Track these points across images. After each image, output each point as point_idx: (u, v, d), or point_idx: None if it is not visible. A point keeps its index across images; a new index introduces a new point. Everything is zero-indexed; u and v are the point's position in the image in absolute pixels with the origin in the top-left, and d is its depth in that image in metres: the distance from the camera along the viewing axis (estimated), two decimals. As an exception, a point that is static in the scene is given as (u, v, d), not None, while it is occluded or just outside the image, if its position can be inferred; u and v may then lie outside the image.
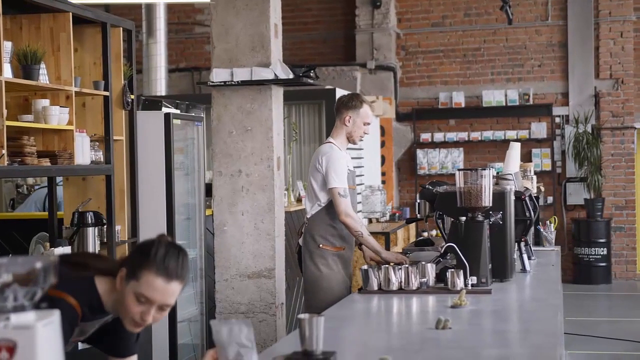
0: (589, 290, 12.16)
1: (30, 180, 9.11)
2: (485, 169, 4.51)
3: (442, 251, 4.56)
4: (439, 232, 12.43)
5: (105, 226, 5.68)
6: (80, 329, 2.74)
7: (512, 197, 4.80)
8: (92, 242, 5.48)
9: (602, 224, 12.58)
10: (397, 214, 11.41)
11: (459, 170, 4.55)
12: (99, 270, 2.77)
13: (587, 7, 12.85)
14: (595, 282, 12.48)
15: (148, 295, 2.60)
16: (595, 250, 12.52)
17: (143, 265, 2.61)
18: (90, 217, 5.51)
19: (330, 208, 5.31)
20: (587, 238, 12.56)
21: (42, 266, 1.77)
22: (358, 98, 5.48)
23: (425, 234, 12.65)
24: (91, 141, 5.62)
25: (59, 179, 6.25)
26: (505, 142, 12.87)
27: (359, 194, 10.39)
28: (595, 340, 8.84)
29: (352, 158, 10.09)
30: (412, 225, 11.53)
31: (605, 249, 12.55)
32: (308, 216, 5.39)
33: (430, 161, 13.23)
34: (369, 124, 5.47)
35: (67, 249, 5.03)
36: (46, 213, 5.97)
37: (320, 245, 5.31)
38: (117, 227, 5.84)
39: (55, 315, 1.80)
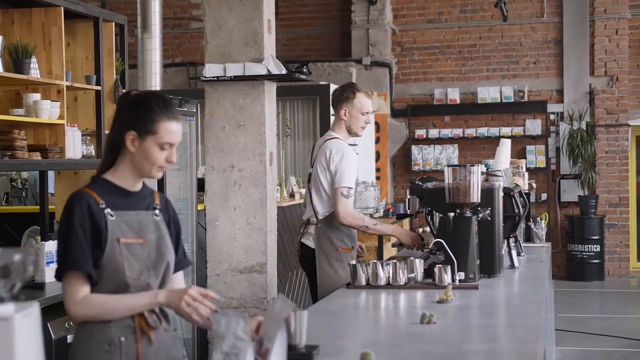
0: (582, 287, 12.19)
1: (25, 174, 9.12)
2: (473, 166, 4.52)
3: (429, 246, 4.57)
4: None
5: (96, 220, 5.68)
6: (119, 217, 2.89)
7: (501, 194, 4.80)
8: (83, 236, 5.49)
9: (596, 221, 12.61)
10: (391, 210, 11.43)
11: (447, 166, 4.56)
12: (100, 172, 2.99)
13: (583, 4, 12.87)
14: (589, 278, 12.51)
15: (170, 141, 2.90)
16: (588, 247, 12.55)
17: (154, 120, 2.89)
18: (81, 211, 5.51)
19: None
20: (580, 235, 12.59)
21: (21, 258, 1.79)
22: (350, 88, 5.34)
23: (421, 229, 12.69)
24: (83, 135, 5.64)
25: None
26: (500, 139, 12.86)
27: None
28: (587, 337, 8.86)
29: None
30: (407, 221, 11.56)
31: (598, 245, 12.58)
32: (320, 217, 5.23)
33: (425, 157, 13.25)
34: (367, 113, 5.31)
35: (56, 243, 5.04)
36: (38, 207, 5.99)
37: (339, 249, 5.20)
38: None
39: (34, 308, 1.82)
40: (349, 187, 5.10)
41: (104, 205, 2.88)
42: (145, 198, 3.03)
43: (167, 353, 2.94)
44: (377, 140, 12.69)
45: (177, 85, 13.03)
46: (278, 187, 8.05)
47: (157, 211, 3.02)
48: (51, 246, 4.92)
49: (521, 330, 3.34)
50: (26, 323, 1.78)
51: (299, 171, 9.87)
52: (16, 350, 1.74)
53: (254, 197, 5.85)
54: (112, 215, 2.88)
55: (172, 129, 2.91)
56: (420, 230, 13.20)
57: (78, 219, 2.83)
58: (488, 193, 4.66)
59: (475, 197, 4.50)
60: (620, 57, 12.85)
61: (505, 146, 5.68)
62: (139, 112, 2.92)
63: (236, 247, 5.80)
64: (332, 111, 10.03)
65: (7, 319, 1.74)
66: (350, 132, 5.34)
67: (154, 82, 10.96)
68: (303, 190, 8.43)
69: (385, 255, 9.13)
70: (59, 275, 2.88)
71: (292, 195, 8.11)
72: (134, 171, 2.95)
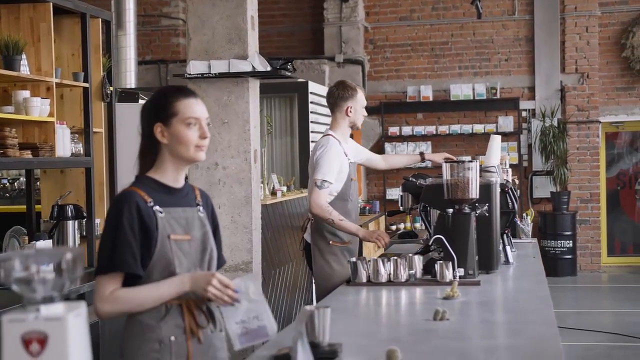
0: (554, 283, 12.26)
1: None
2: (472, 161, 4.52)
3: (428, 243, 4.56)
4: (416, 225, 12.37)
5: (85, 219, 5.61)
6: (167, 214, 2.87)
7: (498, 189, 4.81)
8: (72, 235, 5.42)
9: (568, 217, 12.72)
10: (367, 207, 11.45)
11: (446, 162, 4.56)
12: (143, 172, 2.97)
13: (553, 2, 12.97)
14: (561, 274, 12.61)
15: (193, 115, 2.89)
16: (561, 243, 12.66)
17: (171, 103, 2.90)
18: (70, 210, 5.44)
19: (336, 203, 5.23)
20: (553, 231, 12.69)
21: (71, 257, 1.75)
22: (349, 85, 5.46)
23: (393, 227, 12.71)
24: (71, 133, 5.55)
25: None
26: (473, 136, 12.98)
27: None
28: (564, 332, 8.92)
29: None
30: (382, 219, 11.58)
31: (570, 241, 12.69)
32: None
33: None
34: (364, 105, 5.52)
35: (48, 243, 4.96)
36: (22, 207, 5.89)
37: (330, 243, 5.26)
38: (97, 220, 5.78)
39: (82, 307, 1.78)
40: (324, 180, 5.15)
41: (152, 203, 2.86)
42: (188, 194, 3.01)
43: (214, 353, 2.91)
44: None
45: (148, 83, 12.90)
46: (261, 185, 8.00)
47: (201, 207, 3.00)
48: (42, 246, 4.83)
49: (537, 326, 3.35)
50: (77, 323, 1.74)
51: (277, 168, 9.83)
52: (69, 349, 1.71)
53: (238, 195, 5.83)
54: (161, 212, 2.86)
55: (191, 104, 2.90)
56: (394, 227, 13.18)
57: (127, 219, 2.79)
58: (485, 189, 4.66)
59: (474, 193, 4.50)
60: (591, 55, 12.97)
61: (496, 142, 5.69)
62: (155, 104, 2.94)
63: (221, 245, 5.75)
64: (311, 108, 10.03)
65: (60, 319, 1.71)
66: (353, 127, 5.48)
67: (129, 79, 10.89)
68: (285, 188, 8.40)
69: (364, 254, 9.11)
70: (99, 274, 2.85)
71: (274, 193, 8.06)
72: (175, 163, 2.92)
